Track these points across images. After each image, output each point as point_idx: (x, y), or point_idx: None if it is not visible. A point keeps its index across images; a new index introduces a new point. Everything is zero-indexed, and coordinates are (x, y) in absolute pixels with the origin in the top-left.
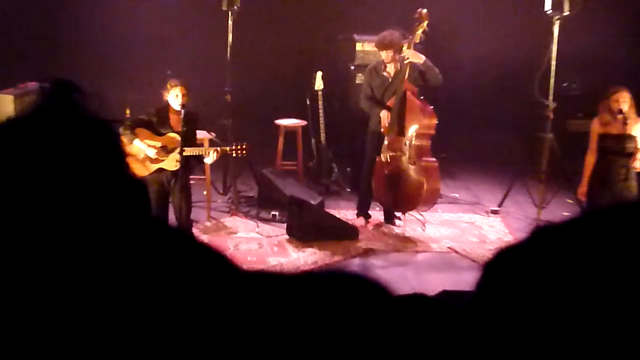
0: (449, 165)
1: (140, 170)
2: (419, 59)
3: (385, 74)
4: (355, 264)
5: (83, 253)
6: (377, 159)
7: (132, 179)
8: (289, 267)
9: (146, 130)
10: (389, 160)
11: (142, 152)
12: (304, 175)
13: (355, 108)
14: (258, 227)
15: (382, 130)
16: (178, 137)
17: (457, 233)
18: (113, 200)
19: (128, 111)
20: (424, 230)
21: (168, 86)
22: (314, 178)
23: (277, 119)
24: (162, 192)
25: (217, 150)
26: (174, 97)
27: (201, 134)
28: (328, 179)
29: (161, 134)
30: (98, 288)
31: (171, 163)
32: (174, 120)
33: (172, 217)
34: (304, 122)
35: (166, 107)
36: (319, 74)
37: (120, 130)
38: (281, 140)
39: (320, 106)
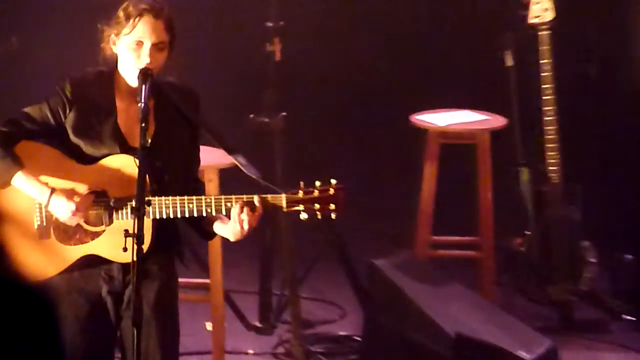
0: None
1: (40, 262)
2: None
3: None
4: None
5: None
6: None
7: (12, 287)
8: None
9: (49, 149)
10: None
11: (37, 212)
12: (496, 274)
13: None
14: None
15: None
16: (133, 163)
17: None
18: None
19: None
20: None
21: (120, 16)
22: (529, 283)
23: (417, 110)
24: (94, 320)
25: (251, 201)
26: (132, 49)
27: (210, 156)
28: (567, 284)
29: (92, 159)
30: None
31: (116, 241)
32: (127, 113)
33: None
34: (498, 121)
35: (109, 75)
36: None
37: None
38: (431, 171)
39: (547, 74)
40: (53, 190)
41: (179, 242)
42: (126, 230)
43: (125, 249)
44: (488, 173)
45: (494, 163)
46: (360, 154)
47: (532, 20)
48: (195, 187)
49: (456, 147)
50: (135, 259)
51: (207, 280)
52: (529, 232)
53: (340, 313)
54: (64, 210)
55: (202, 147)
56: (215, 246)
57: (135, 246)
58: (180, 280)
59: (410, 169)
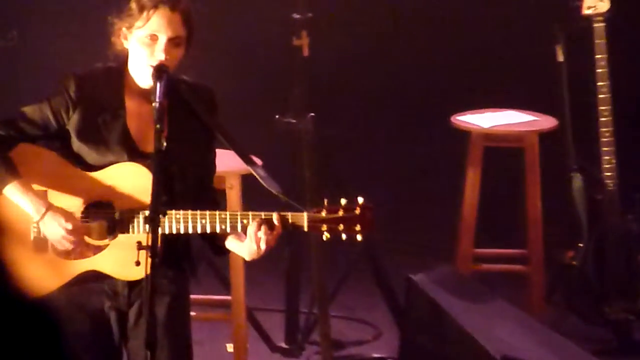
0: None
1: (37, 277)
2: None
3: None
4: None
5: None
6: None
7: (9, 302)
8: None
9: (50, 154)
10: None
11: (31, 226)
12: (546, 291)
13: None
14: None
15: None
16: (146, 174)
17: None
18: None
19: None
20: None
21: (132, 7)
22: (582, 301)
23: (459, 110)
24: (96, 338)
25: (269, 219)
26: (145, 44)
27: (231, 161)
28: (625, 302)
29: (96, 166)
30: None
31: (120, 257)
32: (138, 115)
33: None
34: (547, 122)
35: (118, 72)
36: None
37: None
38: (474, 176)
39: (602, 70)
40: (49, 207)
41: (190, 253)
42: (139, 243)
43: (138, 263)
44: (537, 179)
45: (543, 168)
46: (396, 158)
47: (586, 11)
48: (211, 198)
49: (502, 151)
50: (149, 274)
51: (229, 297)
52: (582, 245)
53: (374, 333)
54: (56, 232)
55: (223, 151)
56: (236, 260)
57: (150, 260)
58: (199, 297)
59: (451, 174)
